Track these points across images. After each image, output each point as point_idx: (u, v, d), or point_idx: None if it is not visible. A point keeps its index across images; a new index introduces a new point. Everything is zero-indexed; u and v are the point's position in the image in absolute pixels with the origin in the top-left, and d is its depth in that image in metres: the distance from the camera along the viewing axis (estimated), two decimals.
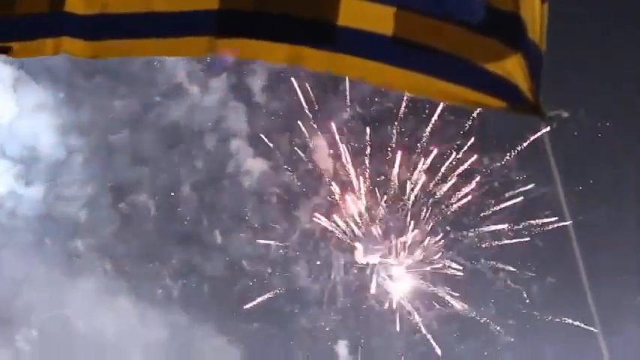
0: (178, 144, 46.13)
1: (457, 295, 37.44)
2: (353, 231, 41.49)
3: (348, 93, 43.99)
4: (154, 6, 6.20)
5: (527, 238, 41.78)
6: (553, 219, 43.29)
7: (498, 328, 30.08)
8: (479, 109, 41.18)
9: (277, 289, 37.32)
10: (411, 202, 43.48)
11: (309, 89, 43.12)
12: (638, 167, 46.58)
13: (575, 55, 45.57)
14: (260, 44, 6.37)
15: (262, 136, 46.58)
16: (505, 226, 42.79)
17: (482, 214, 42.38)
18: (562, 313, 30.18)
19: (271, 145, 46.22)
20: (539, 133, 42.15)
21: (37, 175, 41.42)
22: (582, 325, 28.97)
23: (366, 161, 45.04)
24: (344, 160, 45.61)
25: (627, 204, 44.86)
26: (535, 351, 24.44)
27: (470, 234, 41.28)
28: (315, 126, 45.00)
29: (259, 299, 32.80)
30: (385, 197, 43.84)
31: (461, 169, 43.80)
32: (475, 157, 42.63)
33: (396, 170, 44.49)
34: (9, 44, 6.02)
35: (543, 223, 43.09)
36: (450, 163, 45.18)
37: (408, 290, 38.30)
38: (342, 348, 21.62)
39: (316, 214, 41.98)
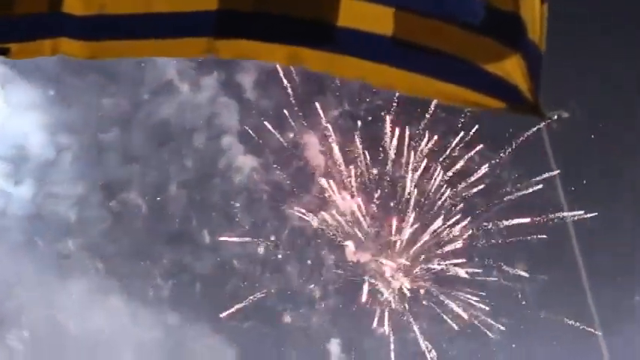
0: (169, 142, 46.10)
1: (452, 294, 37.52)
2: (344, 229, 41.49)
3: (339, 90, 44.22)
4: (152, 7, 6.17)
5: (521, 237, 42.01)
6: (546, 217, 43.54)
7: (493, 325, 30.11)
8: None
9: (268, 288, 37.33)
10: (403, 200, 43.54)
11: (300, 86, 43.18)
12: (631, 167, 46.90)
13: (574, 55, 45.86)
14: (259, 45, 6.35)
15: (252, 133, 46.65)
16: (501, 224, 42.94)
17: (476, 213, 42.52)
18: (557, 313, 30.24)
19: (261, 141, 46.37)
20: (530, 131, 42.43)
21: (27, 174, 41.29)
22: (578, 325, 29.06)
23: (358, 158, 45.08)
24: (335, 157, 45.65)
25: (621, 204, 45.11)
26: (529, 350, 24.46)
27: (463, 233, 41.32)
28: (305, 123, 45.01)
29: (251, 298, 32.79)
30: (377, 195, 43.88)
31: (456, 167, 43.97)
32: (471, 154, 42.72)
33: (388, 167, 44.58)
34: (7, 45, 6.00)
35: (537, 222, 43.31)
36: (443, 160, 45.32)
37: (400, 289, 38.35)
38: (334, 347, 21.63)
39: (307, 212, 41.98)
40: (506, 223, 42.57)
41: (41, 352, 21.71)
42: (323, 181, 44.85)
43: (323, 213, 42.16)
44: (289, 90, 46.50)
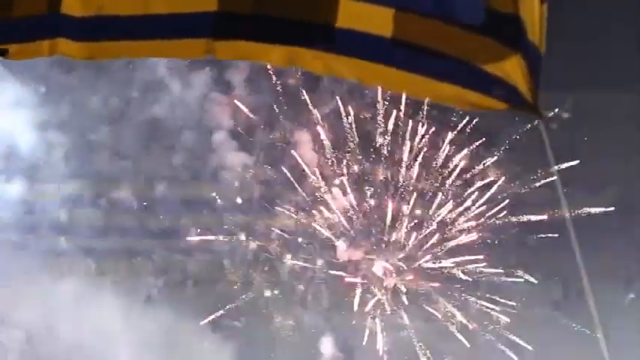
0: (159, 139, 46.00)
1: (446, 292, 37.55)
2: (336, 227, 41.47)
3: (331, 86, 44.17)
4: (150, 8, 6.17)
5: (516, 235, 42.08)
6: (539, 217, 43.61)
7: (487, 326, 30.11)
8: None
9: (259, 288, 37.30)
10: (395, 198, 43.56)
11: (291, 83, 43.10)
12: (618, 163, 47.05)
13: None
14: (258, 46, 6.35)
15: (243, 130, 46.59)
16: (496, 222, 43.02)
17: (471, 211, 42.58)
18: (552, 313, 30.27)
19: (251, 139, 46.27)
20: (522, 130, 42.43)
21: (17, 172, 41.13)
22: (574, 326, 29.13)
23: (350, 156, 45.09)
24: (327, 154, 45.63)
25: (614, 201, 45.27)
26: (521, 350, 24.53)
27: (456, 231, 41.36)
28: (297, 120, 44.97)
29: (242, 297, 32.79)
30: (369, 193, 43.89)
31: (451, 165, 44.03)
32: (463, 153, 42.77)
33: (381, 165, 44.59)
34: (6, 46, 5.99)
35: (531, 222, 43.35)
36: (436, 158, 45.39)
37: (393, 288, 38.39)
38: (326, 346, 21.61)
39: (298, 210, 41.94)
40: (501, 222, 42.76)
41: (34, 351, 21.65)
42: (315, 179, 44.87)
43: (315, 211, 42.16)
44: (280, 87, 46.58)
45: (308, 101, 46.25)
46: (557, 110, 50.11)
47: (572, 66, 47.86)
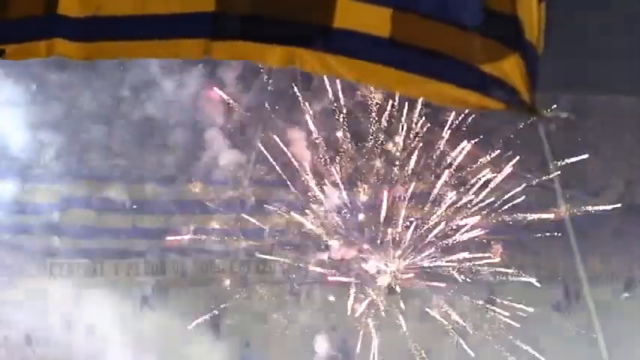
0: (152, 137, 45.97)
1: (442, 291, 37.58)
2: (329, 225, 41.43)
3: (324, 84, 44.10)
4: (148, 8, 6.16)
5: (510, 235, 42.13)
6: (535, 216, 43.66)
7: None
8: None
9: (252, 287, 37.28)
10: (390, 196, 43.59)
11: (284, 80, 43.08)
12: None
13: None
14: (256, 47, 6.35)
15: (236, 128, 46.51)
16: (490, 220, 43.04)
17: (468, 210, 42.55)
18: (553, 313, 30.27)
19: (244, 137, 46.19)
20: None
21: (9, 172, 41.08)
22: (569, 326, 29.13)
23: (344, 154, 45.06)
24: (321, 152, 45.63)
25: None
26: (519, 350, 24.53)
27: (453, 230, 41.36)
28: (291, 118, 44.94)
29: (236, 296, 32.76)
30: (363, 191, 43.91)
31: (447, 163, 44.02)
32: (459, 151, 42.72)
33: (375, 163, 44.64)
34: (2, 47, 5.97)
35: (530, 221, 43.35)
36: (432, 156, 45.37)
37: (387, 287, 38.41)
38: (320, 345, 21.58)
39: (292, 209, 41.90)
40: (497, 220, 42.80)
41: (28, 352, 21.61)
42: (308, 177, 44.88)
43: (308, 210, 42.15)
44: (272, 85, 46.56)
45: (301, 98, 46.26)
46: (556, 111, 50.49)
47: (573, 67, 48.20)
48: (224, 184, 43.49)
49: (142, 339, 24.50)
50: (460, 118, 45.57)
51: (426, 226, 41.57)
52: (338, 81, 41.91)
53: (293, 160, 44.49)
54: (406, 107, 42.76)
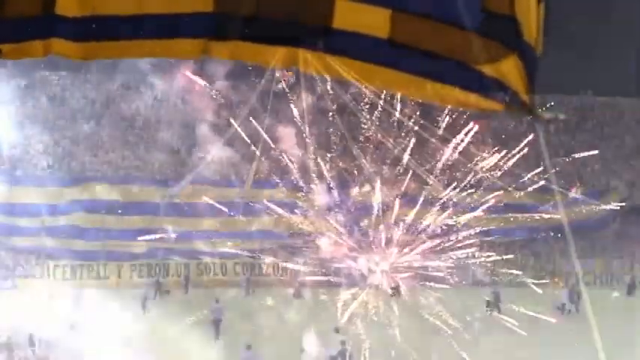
0: (142, 133, 46.02)
1: (433, 290, 37.44)
2: (320, 223, 41.28)
3: (314, 82, 43.90)
4: (146, 8, 6.13)
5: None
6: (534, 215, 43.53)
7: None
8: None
9: (242, 285, 37.28)
10: (382, 194, 43.48)
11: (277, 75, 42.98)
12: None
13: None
14: (255, 47, 6.33)
15: (226, 124, 46.41)
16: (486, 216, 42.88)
17: (464, 209, 42.44)
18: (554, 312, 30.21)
19: (234, 133, 45.98)
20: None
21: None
22: (565, 324, 29.11)
23: (335, 151, 44.89)
24: (311, 149, 45.52)
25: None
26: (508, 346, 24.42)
27: (446, 229, 41.25)
28: (281, 115, 44.85)
29: (230, 295, 32.70)
30: (354, 189, 43.80)
31: (441, 162, 43.86)
32: (452, 148, 42.55)
33: (367, 161, 44.54)
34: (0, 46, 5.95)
35: (528, 222, 43.21)
36: (425, 154, 45.23)
37: (378, 285, 38.27)
38: (310, 343, 21.55)
39: (282, 206, 41.75)
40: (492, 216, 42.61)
41: (30, 353, 21.64)
42: (298, 174, 44.81)
43: (297, 208, 42.09)
44: (263, 81, 46.40)
45: (291, 96, 46.13)
46: (554, 111, 50.43)
47: (574, 69, 48.21)
48: (212, 181, 43.44)
49: (143, 340, 24.47)
50: (455, 115, 45.69)
51: (420, 226, 41.66)
52: (329, 79, 41.91)
53: (285, 156, 44.41)
54: (399, 105, 42.76)
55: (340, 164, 45.78)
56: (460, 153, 42.93)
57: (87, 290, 34.98)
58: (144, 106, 47.22)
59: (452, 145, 43.23)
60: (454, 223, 42.00)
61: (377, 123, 45.17)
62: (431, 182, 42.95)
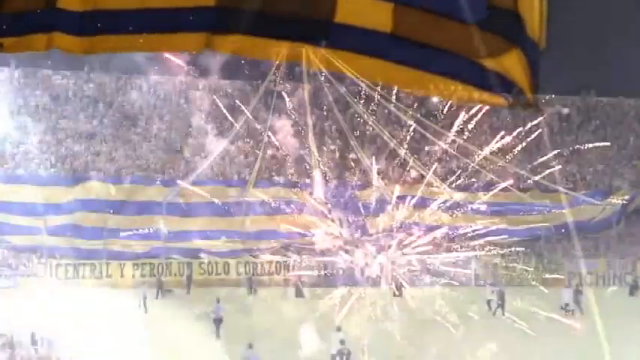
0: (137, 124, 46.08)
1: (430, 283, 37.41)
2: (316, 216, 41.21)
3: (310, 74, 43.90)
4: (148, 2, 6.12)
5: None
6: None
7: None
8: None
9: (238, 278, 37.30)
10: (380, 186, 43.46)
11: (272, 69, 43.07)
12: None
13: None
14: (257, 41, 6.31)
15: (221, 116, 46.46)
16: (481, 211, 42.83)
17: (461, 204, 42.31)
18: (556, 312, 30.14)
19: (229, 124, 46.11)
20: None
21: None
22: (562, 320, 29.06)
23: (332, 143, 44.83)
24: (308, 141, 45.53)
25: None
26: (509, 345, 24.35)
27: (443, 224, 41.20)
28: (277, 107, 44.83)
29: (232, 293, 32.65)
30: (352, 181, 43.78)
31: (438, 154, 43.70)
32: (449, 141, 42.42)
33: (364, 153, 44.60)
34: (1, 40, 5.93)
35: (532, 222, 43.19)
36: (421, 146, 45.11)
37: (375, 278, 38.19)
38: (310, 341, 21.49)
39: (277, 198, 41.73)
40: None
41: (32, 352, 21.64)
42: (294, 167, 44.82)
43: (293, 201, 42.10)
44: (260, 74, 46.47)
45: (288, 88, 46.09)
46: (561, 109, 50.34)
47: (577, 69, 48.17)
48: (208, 174, 43.44)
49: (145, 339, 24.46)
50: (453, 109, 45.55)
51: (421, 224, 41.50)
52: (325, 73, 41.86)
53: (281, 148, 44.35)
54: (399, 97, 42.60)
55: (339, 160, 45.85)
56: (460, 148, 43.03)
57: (89, 289, 35.22)
58: (142, 94, 47.32)
59: (451, 137, 43.38)
60: (452, 220, 42.15)
61: (374, 115, 45.24)
62: (431, 179, 43.07)
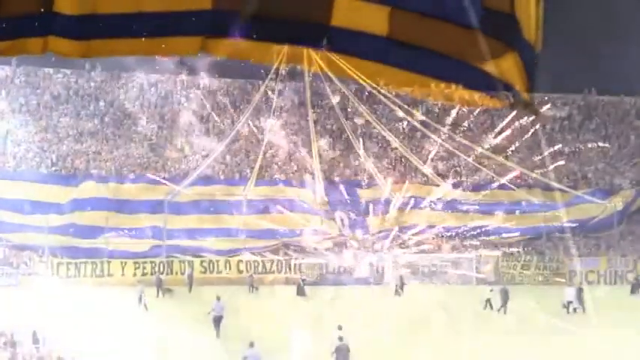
0: (126, 122, 46.13)
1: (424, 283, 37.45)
2: (306, 214, 41.33)
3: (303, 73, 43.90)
4: (144, 6, 6.12)
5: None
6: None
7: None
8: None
9: (229, 277, 37.32)
10: (371, 186, 43.52)
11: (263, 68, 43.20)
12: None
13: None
14: (252, 45, 6.31)
15: (210, 115, 46.48)
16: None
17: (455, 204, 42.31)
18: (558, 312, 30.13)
19: (218, 124, 46.12)
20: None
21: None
22: (564, 318, 29.05)
23: (324, 142, 44.83)
24: (296, 141, 45.60)
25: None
26: (511, 344, 24.33)
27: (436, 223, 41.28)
28: (267, 106, 44.87)
29: (233, 292, 32.61)
30: (341, 181, 43.79)
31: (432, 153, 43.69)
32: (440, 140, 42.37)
33: (355, 152, 44.68)
34: None
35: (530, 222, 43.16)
36: (414, 146, 45.11)
37: (365, 278, 38.26)
38: (296, 336, 21.52)
39: (267, 196, 41.74)
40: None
41: (34, 350, 21.64)
42: (284, 165, 44.86)
43: (281, 203, 42.14)
44: (250, 72, 46.53)
45: (280, 87, 46.08)
46: (557, 112, 50.27)
47: (579, 68, 48.12)
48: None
49: (146, 337, 24.47)
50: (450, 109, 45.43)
51: (421, 222, 41.52)
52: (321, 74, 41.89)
53: (270, 147, 44.35)
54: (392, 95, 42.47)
55: (340, 159, 45.88)
56: (460, 148, 43.07)
57: (90, 287, 35.23)
58: (131, 93, 47.32)
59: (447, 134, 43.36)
60: (456, 220, 42.13)
61: (375, 114, 45.22)
62: (432, 178, 43.10)
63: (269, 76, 44.17)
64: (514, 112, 38.16)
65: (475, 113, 44.98)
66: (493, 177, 42.95)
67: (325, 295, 34.08)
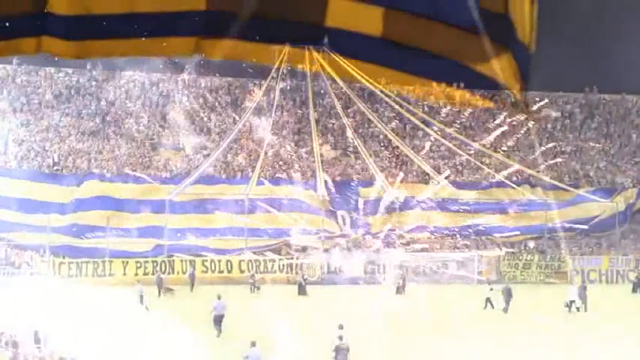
0: (115, 121, 46.19)
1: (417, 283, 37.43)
2: (295, 212, 41.30)
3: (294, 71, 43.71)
4: (138, 7, 6.11)
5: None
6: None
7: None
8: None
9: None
10: (363, 183, 43.49)
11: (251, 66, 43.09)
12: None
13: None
14: (247, 45, 6.30)
15: (199, 112, 46.48)
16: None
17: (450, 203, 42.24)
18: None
19: (208, 121, 46.10)
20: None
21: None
22: (566, 317, 29.04)
23: (313, 140, 44.80)
24: (288, 138, 45.56)
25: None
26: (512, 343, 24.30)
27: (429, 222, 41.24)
28: (256, 103, 44.82)
29: (235, 292, 32.62)
30: (332, 178, 43.73)
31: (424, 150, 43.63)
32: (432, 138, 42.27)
33: (346, 150, 44.67)
34: None
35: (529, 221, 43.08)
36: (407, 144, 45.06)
37: (356, 276, 38.23)
38: (285, 334, 21.51)
39: (257, 195, 41.72)
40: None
41: (36, 350, 21.65)
42: (274, 163, 44.83)
43: (272, 195, 42.13)
44: (240, 70, 46.50)
45: (270, 84, 46.00)
46: (550, 112, 50.13)
47: (580, 66, 48.02)
48: (183, 172, 43.46)
49: (147, 336, 24.49)
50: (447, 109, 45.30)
51: (422, 222, 41.38)
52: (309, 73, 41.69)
53: (260, 145, 44.29)
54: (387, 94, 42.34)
55: (341, 158, 45.82)
56: (460, 147, 42.97)
57: (91, 287, 35.23)
58: (120, 91, 47.34)
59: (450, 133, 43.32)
60: (456, 219, 42.05)
61: (377, 113, 45.13)
62: (433, 176, 43.04)
63: (270, 76, 44.15)
64: (514, 112, 38.16)
65: (477, 111, 44.94)
66: (494, 175, 42.88)
67: (326, 294, 34.09)
